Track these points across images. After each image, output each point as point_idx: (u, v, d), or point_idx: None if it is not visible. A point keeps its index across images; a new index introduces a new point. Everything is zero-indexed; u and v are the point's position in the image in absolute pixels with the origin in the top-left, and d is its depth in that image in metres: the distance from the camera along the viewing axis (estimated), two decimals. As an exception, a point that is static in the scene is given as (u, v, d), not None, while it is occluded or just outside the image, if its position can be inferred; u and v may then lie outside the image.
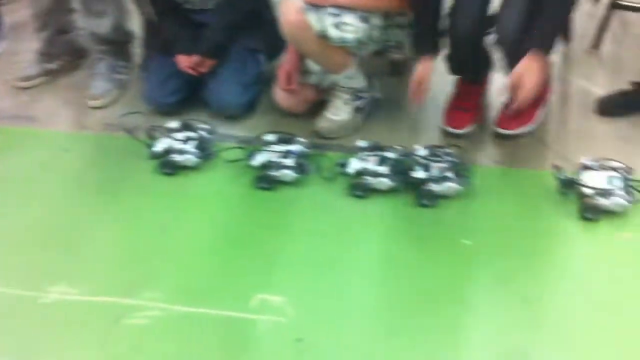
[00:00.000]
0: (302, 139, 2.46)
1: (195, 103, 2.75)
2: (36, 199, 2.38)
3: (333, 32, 2.26)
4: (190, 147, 2.42)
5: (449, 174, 2.26)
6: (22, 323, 1.92)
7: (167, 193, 2.36)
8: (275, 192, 2.34)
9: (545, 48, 2.20)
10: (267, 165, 2.35)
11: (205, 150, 2.45)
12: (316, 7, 2.26)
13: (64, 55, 3.03)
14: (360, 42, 2.33)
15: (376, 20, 2.31)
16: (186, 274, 2.07)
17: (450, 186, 2.24)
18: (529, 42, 2.20)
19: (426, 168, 2.29)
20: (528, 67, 2.20)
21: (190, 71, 2.63)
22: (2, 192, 2.43)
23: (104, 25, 2.83)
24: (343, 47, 2.36)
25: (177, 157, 2.41)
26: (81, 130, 2.71)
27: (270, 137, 2.46)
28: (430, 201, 2.25)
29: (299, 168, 2.36)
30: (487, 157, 2.47)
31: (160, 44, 2.72)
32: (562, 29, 2.25)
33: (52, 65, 3.00)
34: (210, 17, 2.66)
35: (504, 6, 2.28)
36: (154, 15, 2.72)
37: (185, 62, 2.63)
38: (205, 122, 2.56)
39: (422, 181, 2.26)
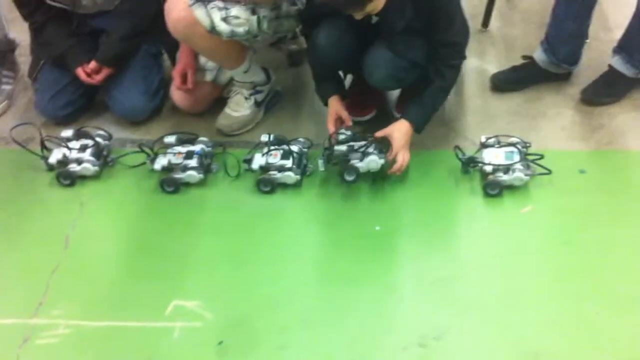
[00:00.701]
0: (204, 138, 2.41)
1: (92, 108, 2.66)
2: None
3: (222, 26, 2.21)
4: (87, 155, 2.34)
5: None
6: None
7: (67, 205, 2.28)
8: (181, 195, 2.30)
9: (417, 128, 2.26)
10: (171, 168, 2.30)
11: (102, 157, 2.38)
12: (202, 1, 2.20)
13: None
14: (251, 34, 2.30)
15: (265, 11, 2.29)
16: (95, 287, 2.01)
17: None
18: (404, 113, 2.26)
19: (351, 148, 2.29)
20: (397, 130, 2.24)
21: (88, 80, 2.53)
22: None
23: None
24: (235, 41, 2.32)
25: (74, 167, 2.32)
26: (-30, 145, 2.58)
27: (171, 139, 2.39)
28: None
29: (204, 168, 2.32)
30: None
31: (50, 56, 2.60)
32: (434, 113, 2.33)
33: None
34: (109, 22, 2.55)
35: (373, 47, 2.27)
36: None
37: (82, 74, 2.52)
38: (102, 129, 2.47)
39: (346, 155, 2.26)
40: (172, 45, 2.59)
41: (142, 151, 2.38)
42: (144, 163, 2.36)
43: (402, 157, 2.22)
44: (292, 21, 2.39)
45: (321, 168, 2.29)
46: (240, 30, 2.24)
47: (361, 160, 2.24)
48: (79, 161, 2.32)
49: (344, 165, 2.25)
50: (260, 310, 1.91)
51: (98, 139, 2.41)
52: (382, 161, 2.24)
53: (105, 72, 2.53)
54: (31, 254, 2.12)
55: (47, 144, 2.41)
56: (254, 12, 2.25)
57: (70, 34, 2.56)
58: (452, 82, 2.28)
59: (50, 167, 2.35)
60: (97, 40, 2.58)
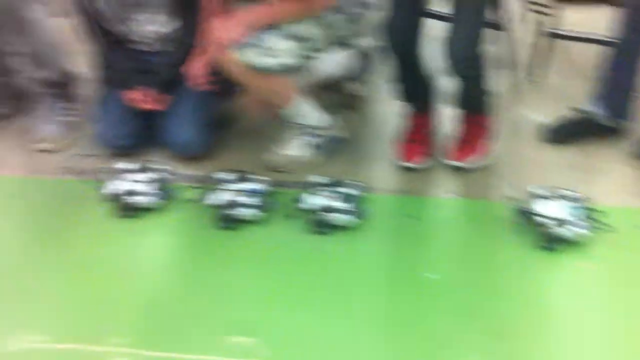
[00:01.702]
0: (258, 177, 2.45)
1: (150, 142, 2.71)
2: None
3: (268, 61, 2.26)
4: (148, 188, 2.39)
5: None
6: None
7: (126, 236, 2.32)
8: (235, 231, 2.32)
9: None
10: (226, 205, 2.33)
11: (163, 191, 2.42)
12: (245, 45, 2.26)
13: (8, 99, 2.95)
14: (304, 58, 2.34)
15: (307, 30, 2.31)
16: (152, 317, 2.03)
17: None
18: None
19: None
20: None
21: (142, 105, 2.60)
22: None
23: (44, 71, 2.79)
24: (285, 80, 2.36)
25: (134, 199, 2.37)
26: (34, 174, 2.64)
27: (225, 176, 2.44)
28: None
29: (258, 206, 2.35)
30: (441, 189, 2.51)
31: (110, 79, 2.69)
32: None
33: (-1, 110, 2.92)
34: (165, 59, 2.64)
35: (451, 29, 2.29)
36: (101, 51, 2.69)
37: (136, 97, 2.60)
38: (162, 163, 2.53)
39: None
40: (224, 86, 2.65)
41: (199, 187, 2.43)
42: (200, 199, 2.39)
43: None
44: (342, 28, 2.41)
45: None
46: (288, 60, 2.28)
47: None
48: (139, 193, 2.37)
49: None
50: (317, 354, 1.90)
51: (158, 172, 2.46)
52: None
53: (159, 98, 2.61)
54: (89, 282, 2.15)
55: (106, 175, 2.46)
56: (291, 37, 2.29)
57: (130, 60, 2.65)
58: None
59: (109, 198, 2.39)
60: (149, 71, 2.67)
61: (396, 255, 2.24)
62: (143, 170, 2.47)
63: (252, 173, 2.46)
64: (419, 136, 2.61)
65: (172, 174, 2.50)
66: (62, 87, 2.89)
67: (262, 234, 2.32)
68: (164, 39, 2.64)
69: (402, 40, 2.39)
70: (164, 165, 2.51)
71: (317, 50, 2.36)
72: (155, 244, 2.31)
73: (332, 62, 2.74)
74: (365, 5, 2.46)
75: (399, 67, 2.48)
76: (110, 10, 2.55)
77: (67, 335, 1.96)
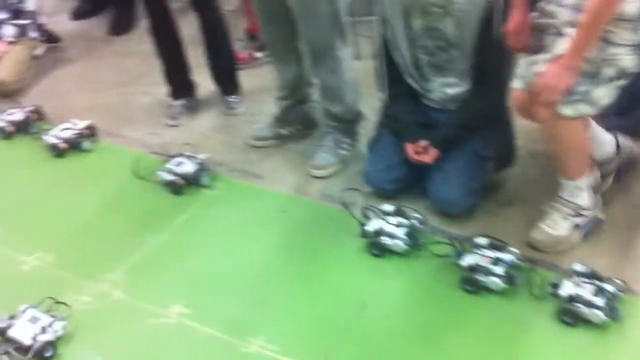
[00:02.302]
0: (514, 249, 2.36)
1: (412, 190, 2.75)
2: (246, 251, 2.53)
3: (584, 108, 2.19)
4: (401, 233, 2.43)
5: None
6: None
7: (370, 273, 2.39)
8: (476, 297, 2.26)
9: None
10: (475, 269, 2.28)
11: (414, 239, 2.45)
12: (568, 100, 2.18)
13: (296, 124, 3.20)
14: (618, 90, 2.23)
15: (617, 67, 2.16)
16: (374, 358, 2.05)
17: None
18: None
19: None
20: None
21: (415, 158, 2.65)
22: (215, 238, 2.61)
23: (338, 106, 2.97)
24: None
25: (386, 240, 2.42)
26: (301, 195, 2.84)
27: (481, 241, 2.39)
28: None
29: (508, 278, 2.27)
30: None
31: (390, 126, 2.78)
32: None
33: (285, 131, 3.19)
34: (448, 117, 2.67)
35: None
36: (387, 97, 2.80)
37: (411, 149, 2.65)
38: (418, 212, 2.56)
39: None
40: (501, 156, 2.65)
41: (451, 244, 2.42)
42: (449, 256, 2.38)
43: None
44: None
45: None
46: (606, 100, 2.21)
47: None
48: (393, 236, 2.42)
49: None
50: None
51: (413, 221, 2.50)
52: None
53: (433, 152, 2.62)
54: (327, 307, 2.25)
55: (367, 212, 2.55)
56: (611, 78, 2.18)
57: (416, 113, 2.72)
58: None
59: (364, 235, 2.47)
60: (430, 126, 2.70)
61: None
62: (397, 213, 2.52)
63: (507, 244, 2.38)
64: None
65: (423, 223, 2.52)
66: (348, 124, 3.06)
67: (504, 308, 2.23)
68: (452, 99, 2.67)
69: None
70: (417, 214, 2.53)
71: (627, 76, 2.23)
72: (394, 287, 2.34)
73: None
74: None
75: None
76: (408, 65, 2.66)
77: (293, 350, 2.07)
